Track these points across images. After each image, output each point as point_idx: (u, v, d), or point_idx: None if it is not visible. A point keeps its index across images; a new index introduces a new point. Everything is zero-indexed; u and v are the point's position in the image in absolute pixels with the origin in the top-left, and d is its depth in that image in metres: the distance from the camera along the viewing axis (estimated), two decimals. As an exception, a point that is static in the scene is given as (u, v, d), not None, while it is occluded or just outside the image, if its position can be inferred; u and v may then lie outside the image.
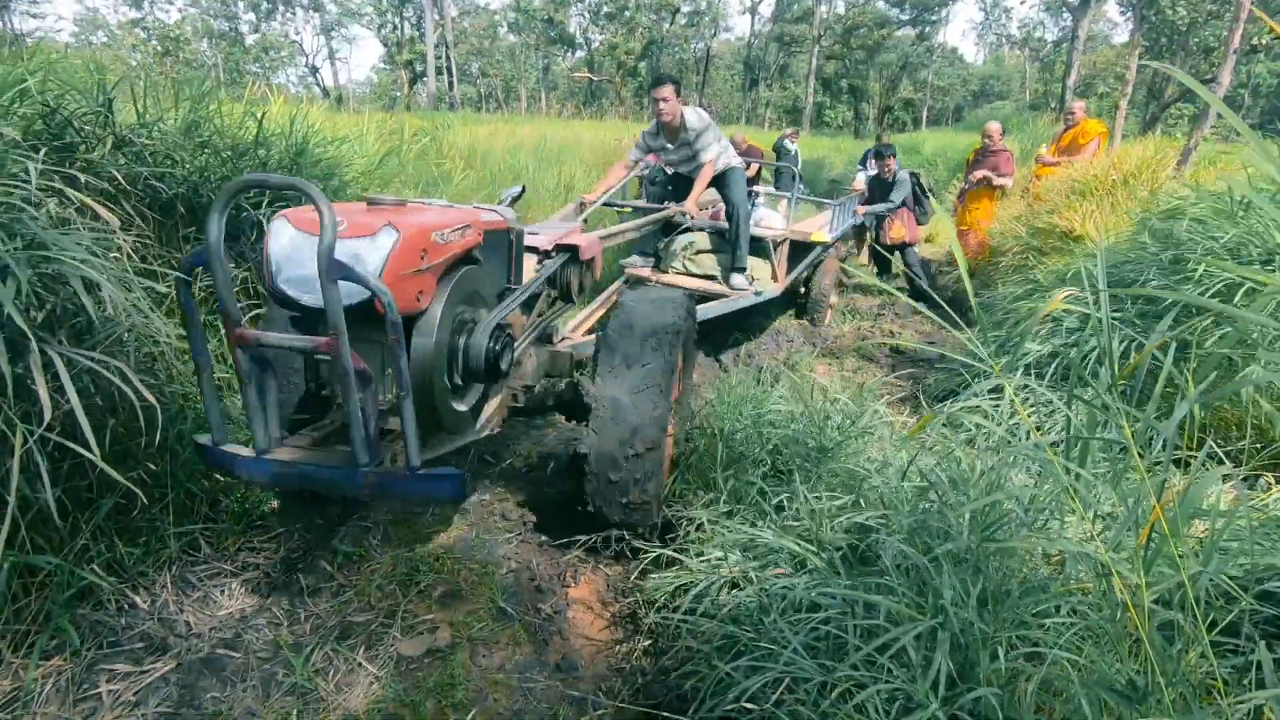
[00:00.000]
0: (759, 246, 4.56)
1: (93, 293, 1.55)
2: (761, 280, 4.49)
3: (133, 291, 1.66)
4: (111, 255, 1.81)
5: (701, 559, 1.68)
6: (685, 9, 38.50)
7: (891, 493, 1.49)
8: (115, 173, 1.98)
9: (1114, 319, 2.83)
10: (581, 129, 15.80)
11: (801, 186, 6.22)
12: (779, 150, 10.73)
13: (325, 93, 44.60)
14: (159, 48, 17.52)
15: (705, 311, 3.76)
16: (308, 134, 2.69)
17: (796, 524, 1.56)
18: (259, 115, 2.48)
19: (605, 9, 36.37)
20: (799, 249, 5.02)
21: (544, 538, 2.29)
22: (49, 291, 1.54)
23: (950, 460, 1.61)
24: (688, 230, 4.59)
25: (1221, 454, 2.23)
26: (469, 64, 49.67)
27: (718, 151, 4.06)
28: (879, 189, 6.25)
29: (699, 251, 4.56)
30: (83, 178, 1.89)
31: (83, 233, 1.64)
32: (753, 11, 41.92)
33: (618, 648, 1.83)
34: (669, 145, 4.12)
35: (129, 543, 1.83)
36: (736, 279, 4.30)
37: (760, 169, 6.97)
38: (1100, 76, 27.01)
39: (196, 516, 2.03)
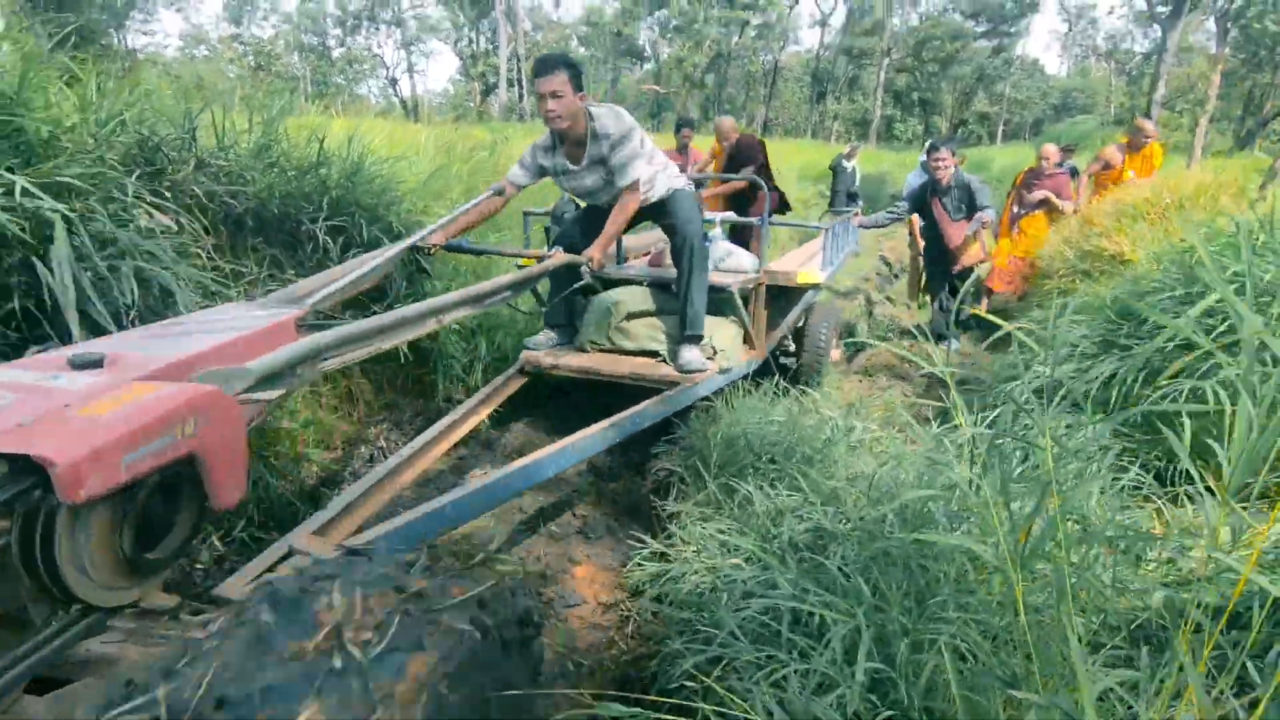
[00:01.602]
0: (720, 299, 3.07)
1: (170, 294, 1.84)
2: (728, 349, 3.07)
3: (198, 296, 1.93)
4: (191, 263, 2.10)
5: (681, 551, 1.83)
6: (755, 21, 38.65)
7: (847, 496, 1.61)
8: (196, 190, 2.29)
9: (1128, 345, 2.83)
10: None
11: (857, 209, 6.03)
12: (835, 170, 10.60)
13: (403, 103, 46.70)
14: (253, 63, 18.78)
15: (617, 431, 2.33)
16: (363, 153, 2.98)
17: (758, 522, 1.70)
18: (321, 138, 2.78)
19: (674, 22, 36.88)
20: (781, 296, 3.63)
21: (554, 527, 2.49)
22: (143, 288, 1.82)
23: (905, 466, 1.72)
24: (621, 283, 3.19)
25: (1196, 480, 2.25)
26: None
27: (647, 172, 2.73)
28: (940, 201, 4.93)
29: (631, 316, 3.11)
30: (169, 195, 2.21)
31: (164, 241, 1.93)
32: (822, 24, 41.64)
33: (609, 631, 2.00)
34: (570, 165, 2.75)
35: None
36: (688, 354, 2.87)
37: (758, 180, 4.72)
38: (1183, 93, 25.61)
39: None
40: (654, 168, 2.80)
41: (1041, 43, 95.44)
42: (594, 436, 2.22)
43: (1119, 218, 5.18)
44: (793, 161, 17.97)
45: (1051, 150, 5.91)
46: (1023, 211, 5.83)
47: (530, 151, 2.85)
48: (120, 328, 1.64)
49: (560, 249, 2.73)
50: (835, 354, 4.10)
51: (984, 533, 1.26)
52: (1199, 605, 0.95)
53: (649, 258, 3.79)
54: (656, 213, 2.95)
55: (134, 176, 2.03)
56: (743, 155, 5.24)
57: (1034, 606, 1.08)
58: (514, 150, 8.58)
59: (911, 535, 1.23)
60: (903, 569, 1.33)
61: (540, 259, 2.60)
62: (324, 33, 42.49)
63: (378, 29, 42.65)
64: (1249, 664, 0.97)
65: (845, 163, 10.07)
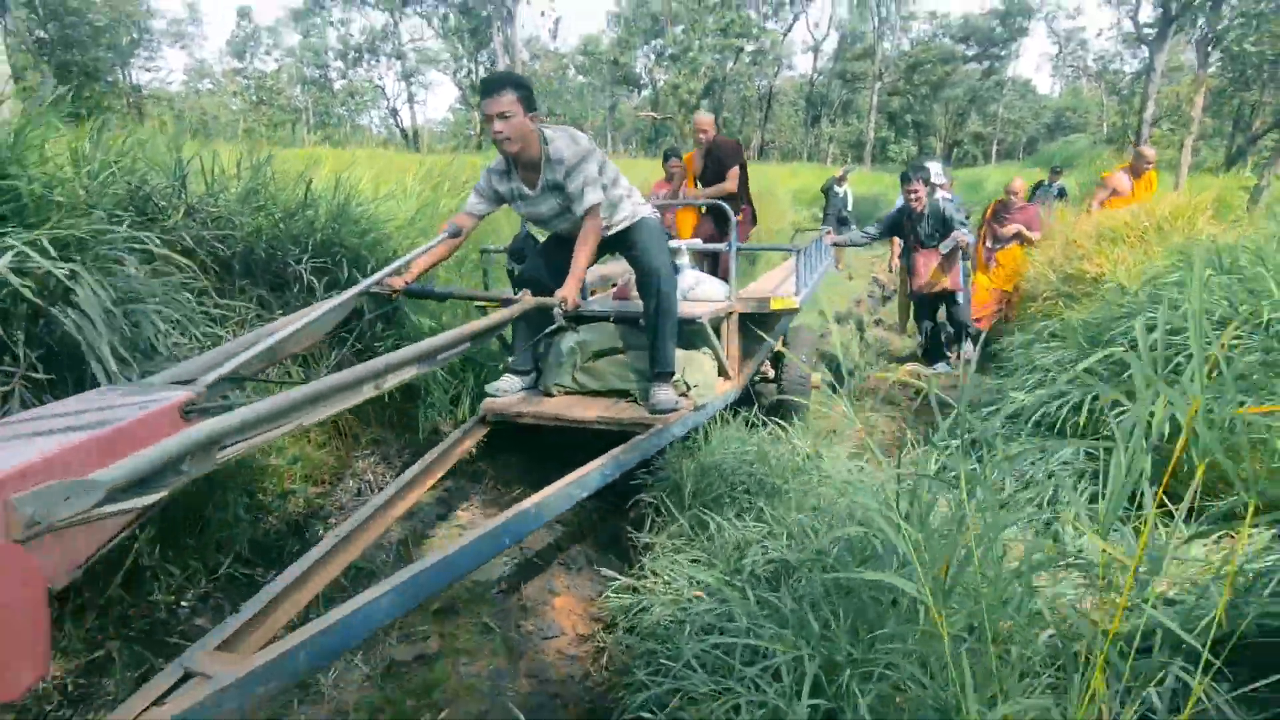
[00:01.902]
0: (690, 330, 2.92)
1: (162, 333, 1.91)
2: (702, 383, 2.90)
3: (195, 327, 2.00)
4: (186, 302, 2.18)
5: (651, 584, 1.88)
6: (749, 49, 39.28)
7: (809, 528, 1.66)
8: (186, 236, 2.37)
9: (1098, 372, 2.89)
10: (639, 166, 16.34)
11: (829, 230, 5.94)
12: (827, 193, 10.69)
13: (403, 133, 47.35)
14: (254, 97, 19.13)
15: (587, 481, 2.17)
16: (349, 194, 3.07)
17: (725, 554, 1.75)
18: (308, 180, 2.87)
19: (669, 51, 37.49)
20: (755, 323, 3.48)
21: (535, 559, 2.53)
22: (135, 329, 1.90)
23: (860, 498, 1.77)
24: (584, 320, 3.02)
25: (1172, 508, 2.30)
26: (539, 104, 51.86)
27: (604, 198, 2.59)
28: (914, 227, 5.04)
29: (597, 355, 2.98)
30: (159, 240, 2.29)
31: (155, 284, 2.01)
32: (815, 50, 42.33)
33: (584, 663, 2.04)
34: (526, 190, 2.62)
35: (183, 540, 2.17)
36: (659, 393, 2.71)
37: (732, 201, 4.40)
38: (1172, 112, 25.93)
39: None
40: (618, 191, 2.68)
41: (1033, 63, 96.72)
42: (557, 495, 2.02)
43: (1099, 240, 5.28)
44: (788, 185, 18.19)
45: (1019, 185, 6.08)
46: (997, 246, 5.92)
47: (485, 177, 2.70)
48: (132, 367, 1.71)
49: (528, 291, 2.56)
50: (816, 379, 4.02)
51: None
52: (1104, 634, 0.99)
53: (615, 290, 3.60)
54: (620, 243, 2.82)
55: (124, 225, 2.12)
56: (724, 156, 4.87)
57: (960, 637, 1.13)
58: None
59: (833, 575, 1.28)
60: (854, 601, 1.37)
61: (506, 302, 2.46)
62: (325, 65, 43.25)
63: (378, 61, 43.41)
64: (1153, 691, 1.02)
65: (837, 187, 10.12)
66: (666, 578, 1.84)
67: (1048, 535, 2.68)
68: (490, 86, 2.43)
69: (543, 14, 77.90)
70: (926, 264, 4.97)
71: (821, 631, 1.30)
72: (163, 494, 1.13)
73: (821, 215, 11.02)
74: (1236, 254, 2.68)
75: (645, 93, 44.51)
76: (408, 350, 1.84)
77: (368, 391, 1.67)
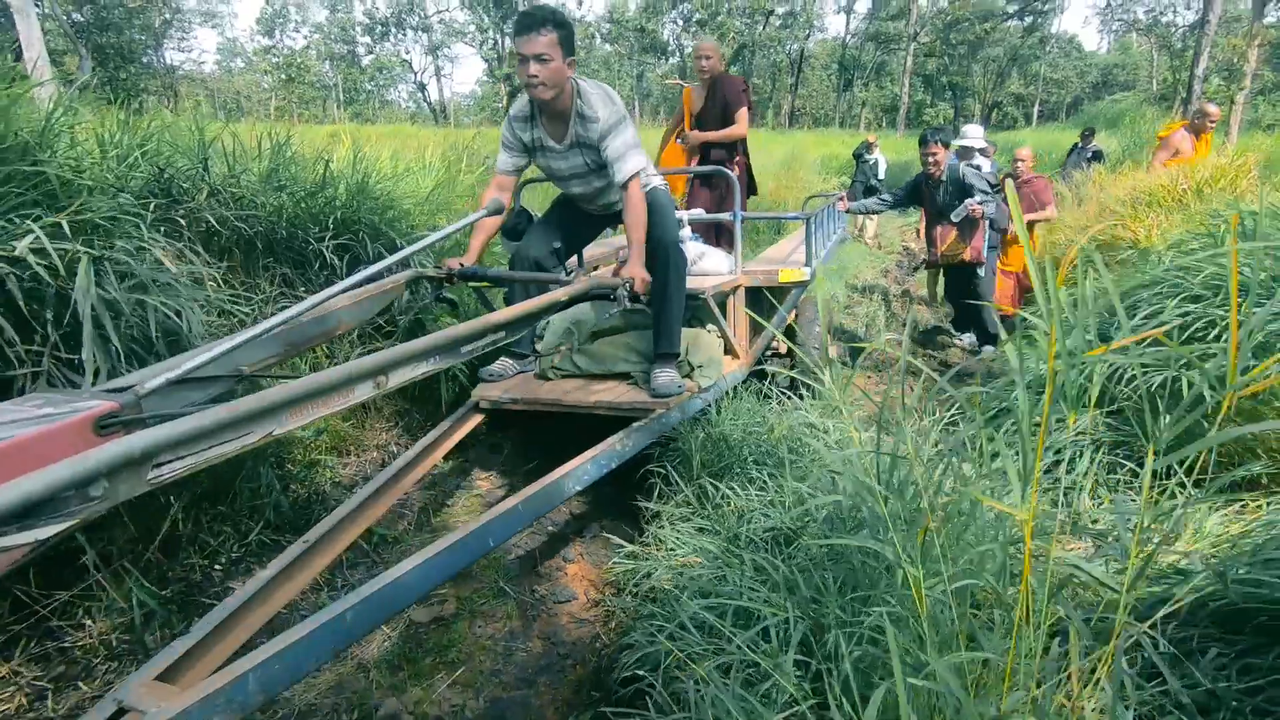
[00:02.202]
0: (693, 306, 2.79)
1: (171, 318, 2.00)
2: (707, 363, 2.75)
3: (212, 317, 2.09)
4: (200, 293, 2.27)
5: (655, 550, 1.94)
6: (779, 10, 38.35)
7: (805, 496, 1.69)
8: (209, 217, 2.45)
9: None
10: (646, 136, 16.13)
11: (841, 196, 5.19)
12: (857, 158, 10.47)
13: (431, 108, 47.51)
14: (285, 76, 19.33)
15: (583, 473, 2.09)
16: (367, 173, 3.13)
17: (728, 522, 1.79)
18: (327, 160, 2.94)
19: (697, 16, 36.80)
20: (764, 296, 3.34)
21: (550, 526, 2.61)
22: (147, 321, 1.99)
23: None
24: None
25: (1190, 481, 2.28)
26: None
27: (641, 163, 2.41)
28: (931, 194, 4.77)
29: (596, 335, 2.85)
30: (183, 223, 2.38)
31: (175, 271, 2.09)
32: (848, 11, 41.06)
33: (593, 625, 2.12)
34: (551, 142, 2.46)
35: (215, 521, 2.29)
36: (662, 375, 2.55)
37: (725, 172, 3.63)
38: (1221, 68, 24.64)
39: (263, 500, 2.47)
40: (643, 156, 2.47)
41: (1079, 18, 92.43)
42: (544, 491, 1.90)
43: (1134, 205, 5.11)
44: (817, 152, 17.85)
45: (1025, 153, 5.59)
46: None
47: (508, 126, 2.49)
48: (139, 358, 1.79)
49: (582, 273, 2.39)
50: (834, 350, 3.82)
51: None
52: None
53: (613, 269, 3.50)
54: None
55: (150, 208, 2.20)
56: (729, 95, 4.24)
57: (942, 601, 1.15)
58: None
59: (823, 541, 1.32)
60: (845, 565, 1.41)
61: (561, 284, 2.21)
62: (353, 41, 43.45)
63: (405, 35, 43.46)
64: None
65: (868, 155, 9.94)
66: (671, 545, 1.89)
67: (1061, 503, 2.68)
68: (529, 23, 2.18)
69: (569, -18, 76.92)
70: (944, 234, 4.71)
71: (812, 595, 1.34)
72: (68, 525, 0.93)
73: (850, 183, 10.78)
74: (1259, 220, 2.60)
75: (674, 60, 43.81)
76: (418, 342, 1.58)
77: (364, 393, 1.44)
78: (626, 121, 2.40)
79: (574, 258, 2.98)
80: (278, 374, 1.69)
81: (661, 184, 2.72)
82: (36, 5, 8.54)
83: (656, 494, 2.27)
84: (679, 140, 4.52)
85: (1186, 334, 2.49)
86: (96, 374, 1.59)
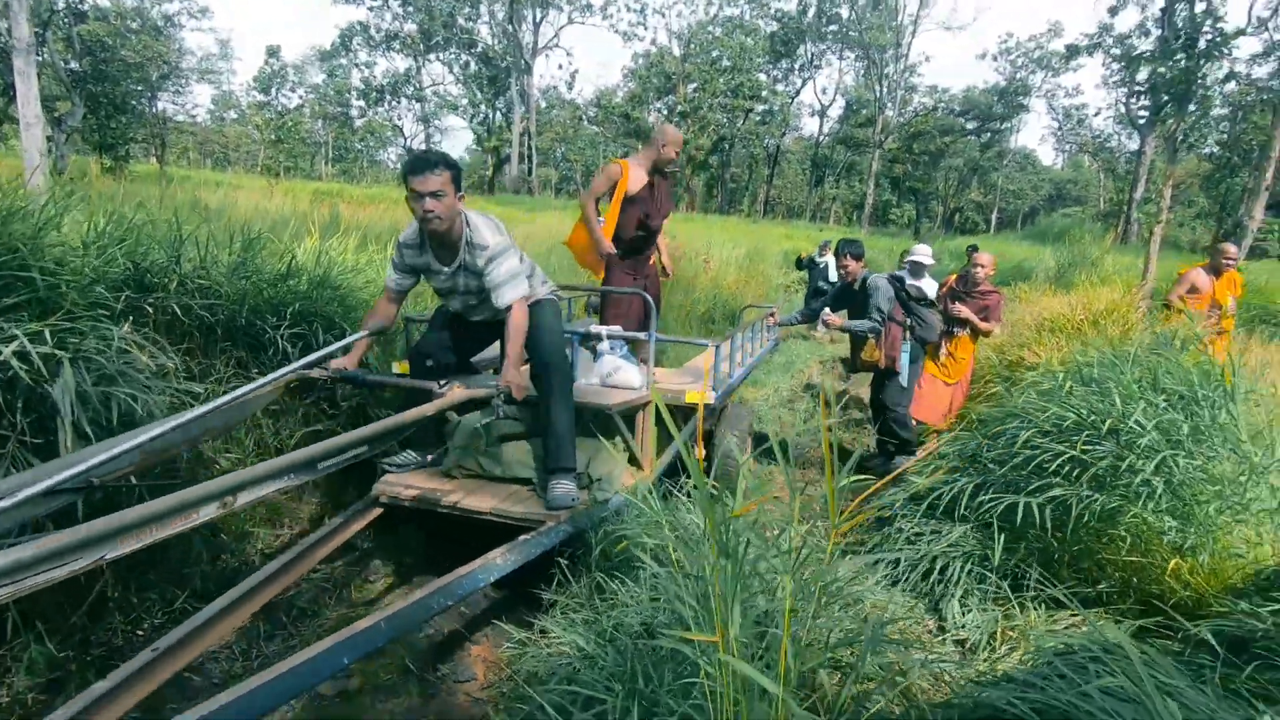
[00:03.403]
0: (603, 418, 2.94)
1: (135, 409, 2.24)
2: (607, 477, 2.85)
3: (166, 397, 2.33)
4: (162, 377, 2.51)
5: (543, 637, 2.17)
6: (758, 109, 40.70)
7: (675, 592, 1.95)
8: (175, 306, 2.72)
9: (988, 464, 3.19)
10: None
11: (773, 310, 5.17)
12: (809, 266, 10.56)
13: (418, 172, 48.58)
14: (273, 136, 19.95)
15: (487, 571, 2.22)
16: (329, 266, 3.44)
17: (613, 614, 2.03)
18: (291, 255, 3.25)
19: (680, 108, 38.92)
20: (674, 412, 3.40)
21: (464, 608, 2.80)
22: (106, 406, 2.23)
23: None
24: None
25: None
26: (554, 149, 53.78)
27: (527, 289, 2.66)
28: (846, 297, 4.81)
29: (504, 438, 2.91)
30: (151, 310, 2.65)
31: (145, 363, 2.34)
32: (821, 114, 43.68)
33: (487, 705, 2.31)
34: (438, 265, 2.67)
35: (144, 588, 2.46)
36: (557, 488, 2.67)
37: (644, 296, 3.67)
38: (1157, 196, 26.94)
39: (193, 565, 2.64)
40: (533, 279, 2.76)
41: (1037, 134, 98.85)
42: (414, 606, 1.93)
43: (1039, 330, 5.63)
44: (781, 245, 18.76)
45: (986, 259, 5.05)
46: (952, 331, 5.03)
47: (398, 251, 2.72)
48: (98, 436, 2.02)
49: (457, 383, 2.55)
50: (747, 460, 3.87)
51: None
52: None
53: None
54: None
55: (121, 298, 2.47)
56: (670, 197, 4.20)
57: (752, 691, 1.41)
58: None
59: (650, 641, 1.58)
60: (680, 657, 1.66)
61: (432, 393, 2.37)
62: (348, 104, 44.92)
63: (399, 102, 45.05)
64: None
65: (819, 258, 10.17)
66: (555, 634, 2.12)
67: (931, 610, 2.97)
68: (423, 164, 2.43)
69: (560, 66, 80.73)
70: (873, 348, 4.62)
71: (646, 684, 1.59)
72: None
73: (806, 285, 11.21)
74: (1092, 368, 3.02)
75: (657, 145, 45.69)
76: (273, 462, 1.62)
77: (209, 513, 1.46)
78: (512, 250, 2.63)
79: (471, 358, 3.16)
80: (132, 484, 1.78)
81: (548, 293, 2.89)
82: (38, 55, 8.88)
83: (555, 583, 2.50)
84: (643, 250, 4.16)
85: (1032, 464, 2.84)
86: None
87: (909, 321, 4.59)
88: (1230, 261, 5.45)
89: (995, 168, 46.03)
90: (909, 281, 5.04)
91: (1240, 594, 2.52)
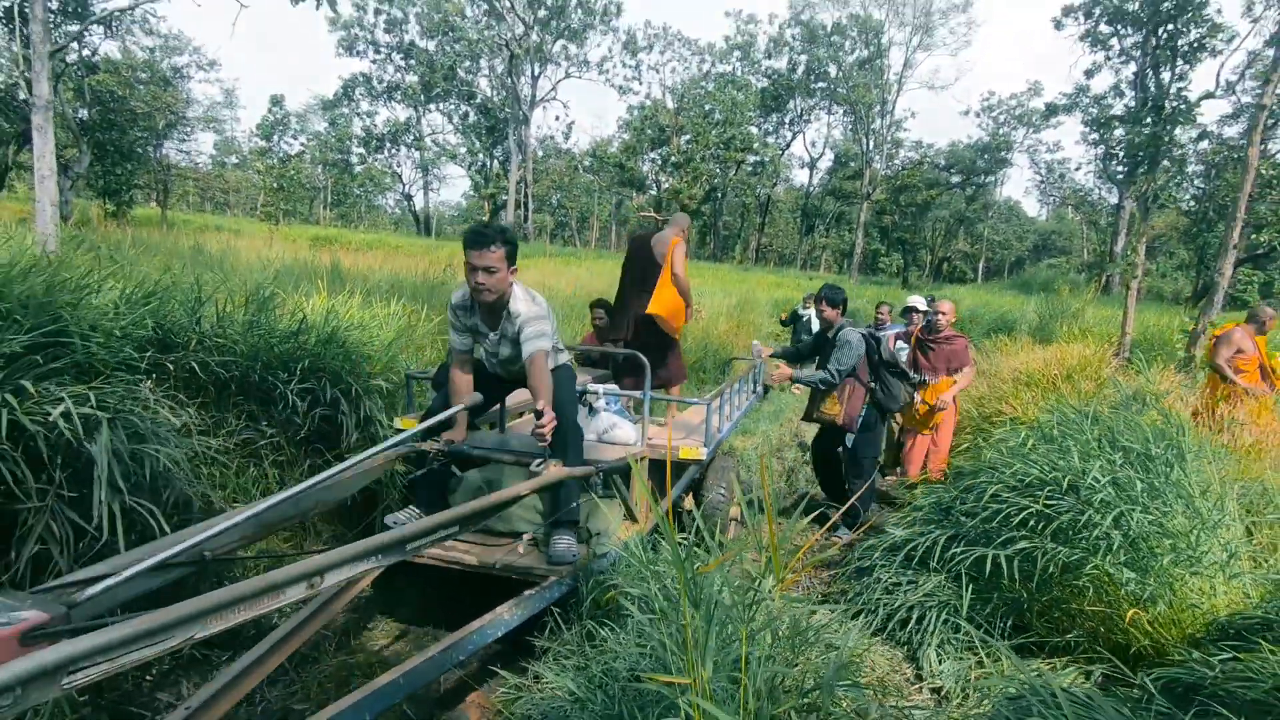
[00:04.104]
0: (613, 474, 3.05)
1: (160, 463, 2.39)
2: (606, 530, 3.04)
3: (179, 451, 2.49)
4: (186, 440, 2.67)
5: (535, 682, 2.29)
6: (750, 160, 41.84)
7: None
8: (194, 363, 2.90)
9: (960, 516, 3.35)
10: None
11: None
12: (794, 320, 10.60)
13: (415, 216, 49.61)
14: (273, 184, 20.41)
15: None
16: (337, 324, 3.63)
17: (601, 661, 2.17)
18: (302, 314, 3.44)
19: (674, 159, 39.99)
20: (663, 468, 3.52)
21: (461, 655, 2.91)
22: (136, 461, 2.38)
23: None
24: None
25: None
26: (550, 195, 54.87)
27: (550, 347, 2.80)
28: (822, 346, 4.65)
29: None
30: (171, 367, 2.82)
31: (174, 422, 2.50)
32: (811, 166, 44.87)
33: (482, 751, 2.41)
34: (487, 331, 2.87)
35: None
36: (559, 543, 2.84)
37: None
38: (1147, 243, 27.77)
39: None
40: (555, 336, 2.93)
41: (1021, 186, 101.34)
42: (428, 662, 2.05)
43: (1015, 383, 5.84)
44: (771, 294, 19.15)
45: (947, 307, 5.19)
46: (924, 380, 5.11)
47: (453, 314, 2.86)
48: (129, 490, 2.17)
49: (553, 461, 2.62)
50: (735, 510, 4.08)
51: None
52: None
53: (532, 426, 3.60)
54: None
55: (146, 357, 2.65)
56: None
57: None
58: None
59: (635, 683, 1.72)
60: (661, 699, 1.80)
61: (532, 472, 2.48)
62: (348, 150, 45.93)
63: (398, 150, 46.09)
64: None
65: (802, 311, 10.33)
66: (548, 679, 2.25)
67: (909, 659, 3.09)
68: (481, 240, 2.54)
69: (557, 118, 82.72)
70: (830, 400, 4.52)
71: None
72: None
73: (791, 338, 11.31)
74: (1052, 426, 3.22)
75: (651, 192, 46.86)
76: (362, 543, 1.69)
77: (295, 594, 1.49)
78: (545, 318, 2.78)
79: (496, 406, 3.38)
80: (241, 556, 1.90)
81: (566, 363, 3.10)
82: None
83: (548, 630, 2.63)
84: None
85: (999, 518, 3.00)
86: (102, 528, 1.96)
87: (874, 386, 4.49)
88: (1269, 322, 5.53)
89: (981, 219, 47.15)
90: (891, 332, 5.15)
91: (1197, 643, 2.67)
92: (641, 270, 4.61)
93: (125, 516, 2.06)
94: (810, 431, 5.55)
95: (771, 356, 4.97)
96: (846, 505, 4.33)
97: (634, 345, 4.45)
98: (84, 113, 18.50)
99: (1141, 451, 3.03)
